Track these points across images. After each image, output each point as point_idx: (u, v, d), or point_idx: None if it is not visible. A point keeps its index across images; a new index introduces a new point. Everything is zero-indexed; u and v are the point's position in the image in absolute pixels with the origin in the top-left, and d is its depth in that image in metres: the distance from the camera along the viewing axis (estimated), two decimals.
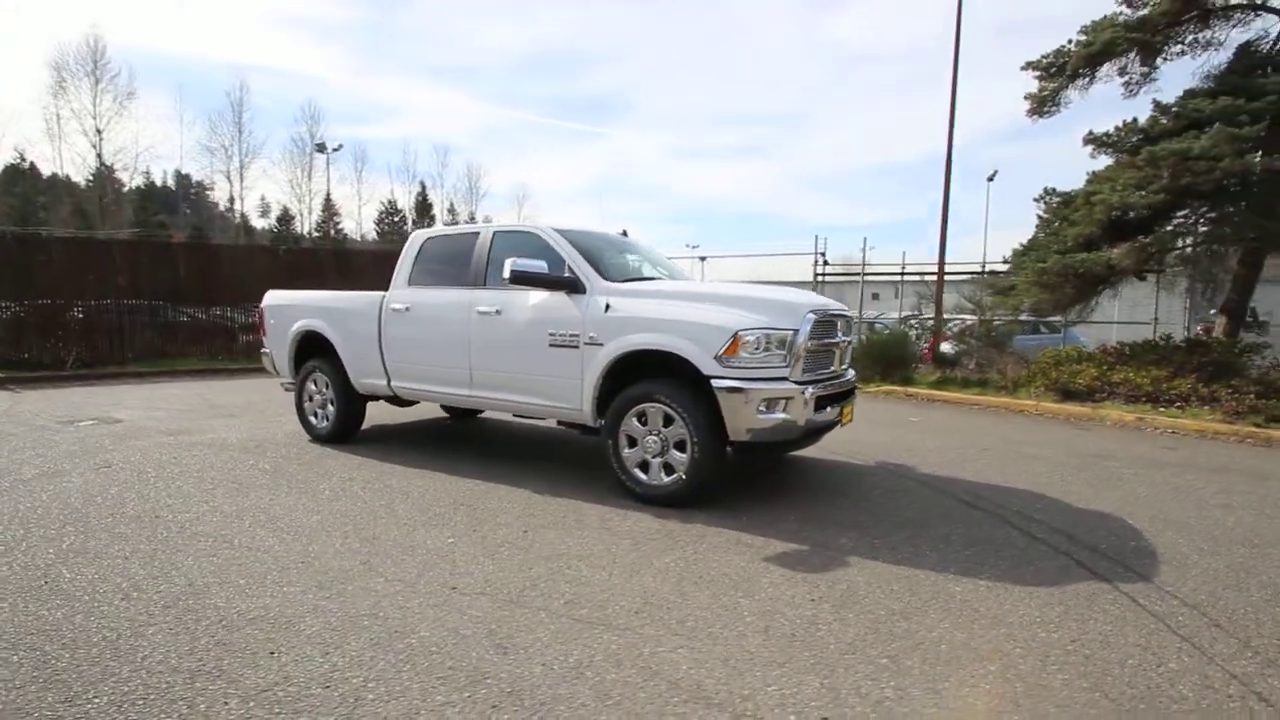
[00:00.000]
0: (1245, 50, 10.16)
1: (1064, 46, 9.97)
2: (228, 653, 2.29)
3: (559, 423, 4.86)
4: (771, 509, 3.97)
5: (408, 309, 5.12)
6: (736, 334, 3.71)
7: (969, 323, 12.80)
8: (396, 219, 60.32)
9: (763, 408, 3.68)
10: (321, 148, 35.40)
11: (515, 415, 4.87)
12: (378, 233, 59.05)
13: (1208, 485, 4.69)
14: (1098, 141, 8.97)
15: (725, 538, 3.46)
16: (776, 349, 3.75)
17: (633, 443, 4.10)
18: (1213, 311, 14.00)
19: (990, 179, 30.55)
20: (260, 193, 58.17)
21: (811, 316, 3.90)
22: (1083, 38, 9.47)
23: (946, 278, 12.68)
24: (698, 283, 5.07)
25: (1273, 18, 9.76)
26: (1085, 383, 8.02)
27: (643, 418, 4.04)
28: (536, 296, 4.46)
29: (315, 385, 5.87)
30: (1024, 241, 12.36)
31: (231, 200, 50.07)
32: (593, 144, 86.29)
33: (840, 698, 2.05)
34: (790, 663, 2.24)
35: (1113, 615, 2.63)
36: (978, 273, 15.19)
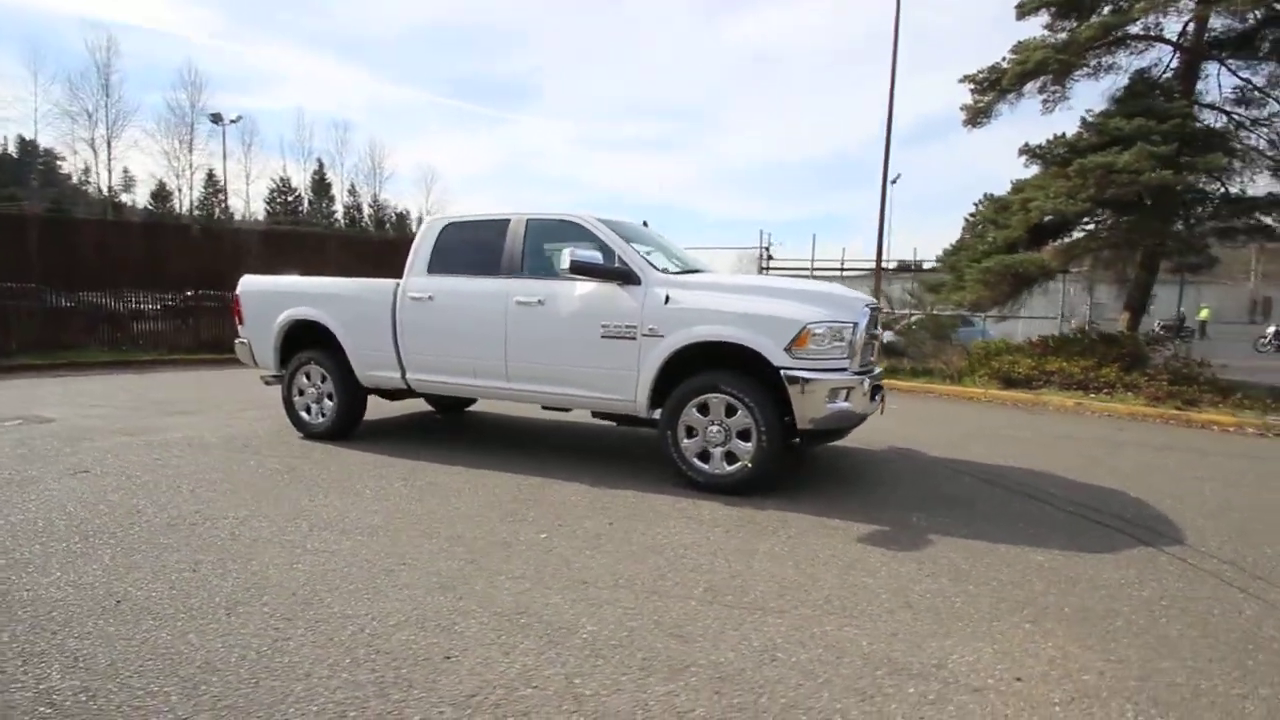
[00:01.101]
0: (1141, 76, 11.51)
1: (998, 64, 10.89)
2: (400, 661, 2.17)
3: (594, 414, 4.84)
4: (827, 493, 4.17)
5: (430, 298, 4.88)
6: (806, 327, 3.85)
7: (900, 314, 13.74)
8: (290, 198, 56.15)
9: (830, 398, 3.85)
10: (217, 118, 31.97)
11: (545, 407, 4.80)
12: (268, 212, 54.79)
13: (1170, 461, 5.38)
14: (1031, 152, 9.90)
15: (807, 522, 3.61)
16: (838, 341, 3.93)
17: (690, 433, 4.17)
18: (1085, 309, 15.85)
19: (894, 182, 32.59)
20: (131, 164, 51.75)
21: (867, 310, 4.12)
22: (1015, 56, 10.38)
23: (861, 272, 13.57)
24: (745, 276, 5.17)
25: (1166, 48, 11.13)
26: (1024, 372, 8.89)
27: (704, 408, 4.11)
28: (585, 287, 4.40)
29: (308, 379, 5.47)
30: (953, 242, 13.45)
31: (86, 171, 44.63)
32: (499, 129, 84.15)
33: (1017, 660, 2.24)
34: (953, 633, 2.41)
35: (1177, 574, 3.01)
36: (907, 269, 16.36)
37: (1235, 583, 2.93)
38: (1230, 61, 10.49)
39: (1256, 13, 9.75)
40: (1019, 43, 11.10)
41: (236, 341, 5.92)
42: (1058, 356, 9.08)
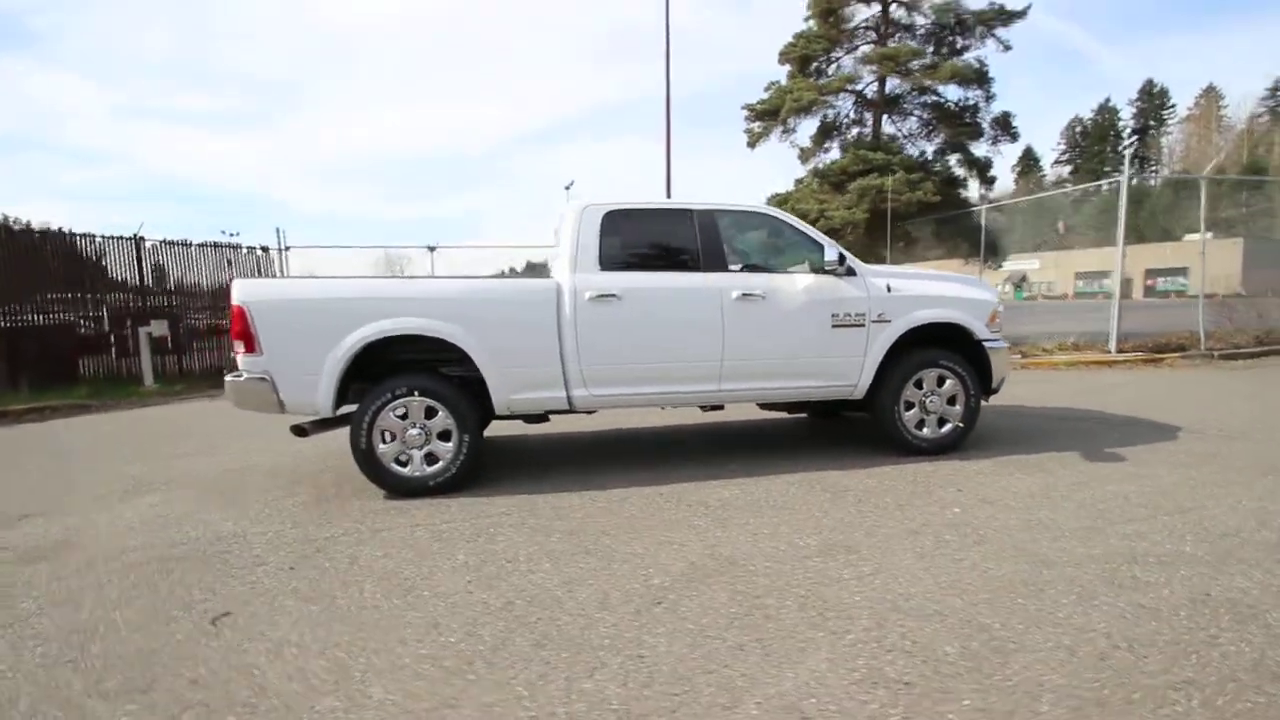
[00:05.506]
0: (831, 121, 15.40)
1: (768, 99, 13.32)
2: None
3: (761, 406, 4.89)
4: (991, 444, 5.09)
5: (617, 297, 4.17)
6: (995, 307, 4.74)
7: None
8: None
9: (1007, 361, 4.82)
10: None
11: (762, 406, 4.68)
12: None
13: (1050, 387, 7.88)
14: (817, 173, 12.51)
15: (1041, 459, 4.48)
16: (1002, 317, 4.92)
17: (908, 406, 4.64)
18: None
19: (568, 188, 34.89)
20: None
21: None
22: (787, 96, 12.91)
23: None
24: (909, 268, 5.68)
25: (849, 100, 15.16)
26: None
27: (918, 383, 4.63)
28: (806, 279, 4.44)
29: (403, 417, 4.03)
30: None
31: None
32: None
33: None
34: None
35: (1234, 440, 4.86)
36: None
37: (1251, 436, 4.90)
38: (892, 116, 14.99)
39: (907, 82, 14.16)
40: (772, 83, 13.81)
41: (238, 378, 3.92)
42: None
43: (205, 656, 2.31)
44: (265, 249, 12.92)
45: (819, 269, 4.42)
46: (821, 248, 4.45)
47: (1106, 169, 76.54)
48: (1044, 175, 68.05)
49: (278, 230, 13.01)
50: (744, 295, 4.32)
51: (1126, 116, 65.51)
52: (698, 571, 2.84)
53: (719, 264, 4.40)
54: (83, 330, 10.66)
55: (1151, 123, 63.63)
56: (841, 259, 4.30)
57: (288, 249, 13.45)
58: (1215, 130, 59.87)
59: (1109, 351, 10.14)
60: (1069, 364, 9.74)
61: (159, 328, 10.82)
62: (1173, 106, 64.22)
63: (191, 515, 3.94)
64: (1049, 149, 67.98)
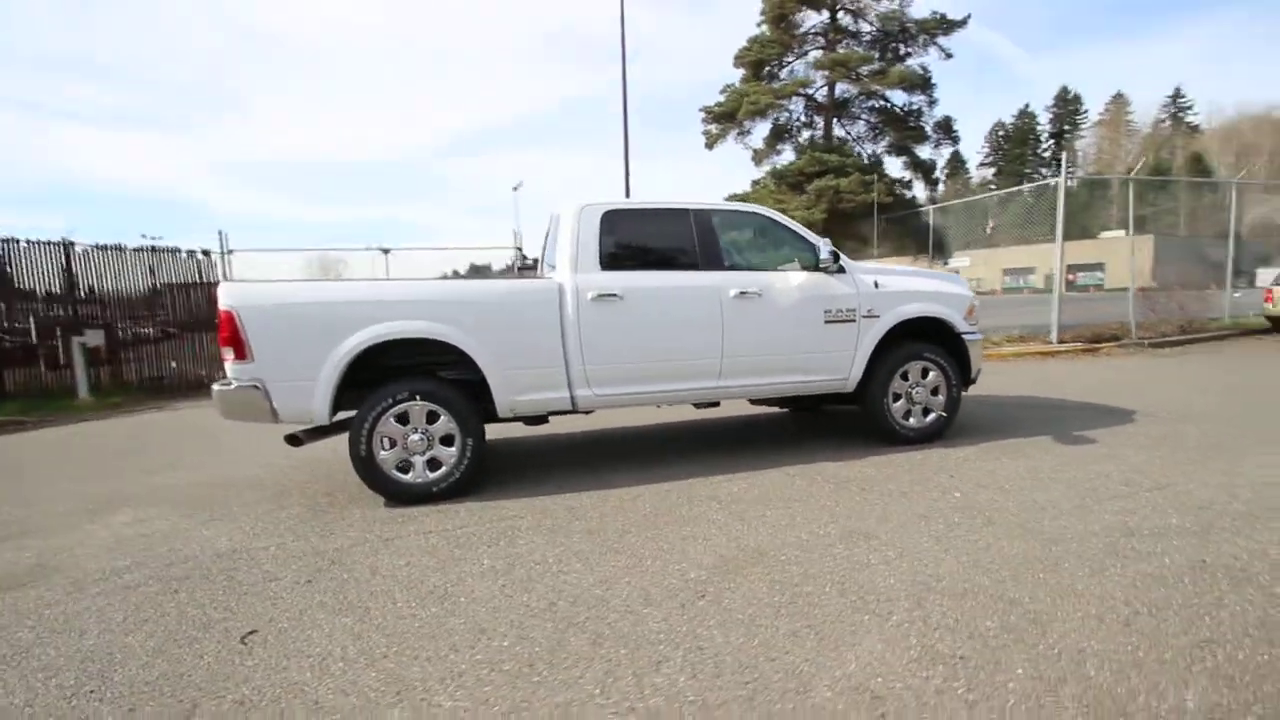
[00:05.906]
0: (782, 123, 15.80)
1: (724, 103, 13.53)
2: None
3: (753, 402, 4.99)
4: (970, 432, 5.34)
5: (619, 296, 4.18)
6: (972, 301, 4.98)
7: None
8: None
9: (981, 353, 5.08)
10: None
11: (752, 401, 4.74)
12: None
13: (1004, 378, 8.28)
14: (775, 174, 12.77)
15: (1019, 444, 4.74)
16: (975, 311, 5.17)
17: (895, 397, 4.82)
18: None
19: (516, 189, 34.51)
20: None
21: None
22: (744, 99, 13.14)
23: None
24: (883, 264, 5.82)
25: (800, 102, 15.57)
26: None
27: (904, 375, 4.82)
28: (799, 277, 4.55)
29: (404, 422, 3.94)
30: None
31: None
32: None
33: None
34: (1245, 457, 3.96)
35: (1186, 422, 5.25)
36: None
37: (1184, 417, 5.32)
38: (841, 119, 15.46)
39: (855, 87, 14.65)
40: (728, 85, 14.08)
41: (227, 387, 3.74)
42: None
43: (244, 676, 2.21)
44: (206, 253, 12.26)
45: (810, 267, 4.55)
46: (815, 247, 4.59)
47: (1027, 170, 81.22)
48: (970, 177, 71.16)
49: (220, 233, 12.36)
50: (741, 293, 4.40)
51: (1044, 121, 69.48)
52: (729, 564, 2.90)
53: (716, 263, 4.46)
54: (7, 343, 9.87)
55: (1066, 127, 67.71)
56: (835, 257, 4.44)
57: (230, 252, 12.82)
58: (1123, 134, 64.28)
59: (1051, 342, 10.77)
60: (1016, 355, 10.30)
61: (94, 337, 10.13)
62: (1085, 112, 68.55)
63: (178, 532, 3.73)
64: (974, 152, 71.30)
